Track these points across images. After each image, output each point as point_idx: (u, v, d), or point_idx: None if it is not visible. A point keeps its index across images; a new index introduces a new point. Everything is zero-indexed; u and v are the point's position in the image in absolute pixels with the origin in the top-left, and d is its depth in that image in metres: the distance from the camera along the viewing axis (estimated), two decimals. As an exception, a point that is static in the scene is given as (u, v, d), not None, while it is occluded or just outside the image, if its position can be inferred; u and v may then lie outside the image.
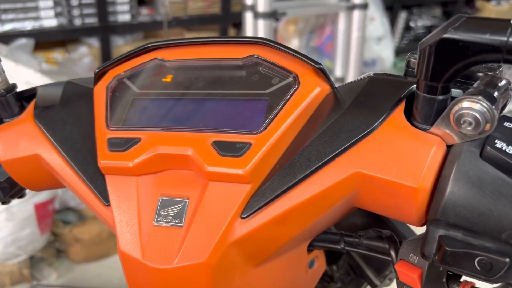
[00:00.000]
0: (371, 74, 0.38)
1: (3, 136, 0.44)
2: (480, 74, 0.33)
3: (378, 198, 0.33)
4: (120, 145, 0.38)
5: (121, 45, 2.17)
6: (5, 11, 1.85)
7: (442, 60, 0.28)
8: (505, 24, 0.26)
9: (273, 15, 1.87)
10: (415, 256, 0.36)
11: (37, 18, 1.92)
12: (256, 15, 1.86)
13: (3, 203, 0.50)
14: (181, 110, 0.39)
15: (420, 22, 3.10)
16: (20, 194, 0.50)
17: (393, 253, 0.39)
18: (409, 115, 0.33)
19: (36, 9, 1.91)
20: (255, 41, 0.39)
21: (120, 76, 0.43)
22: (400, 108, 0.33)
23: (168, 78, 0.42)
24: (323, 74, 0.37)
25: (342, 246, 0.42)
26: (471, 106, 0.28)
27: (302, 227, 0.36)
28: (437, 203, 0.30)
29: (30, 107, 0.45)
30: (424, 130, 0.32)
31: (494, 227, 0.28)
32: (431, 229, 0.31)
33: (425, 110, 0.31)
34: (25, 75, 1.59)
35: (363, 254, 0.42)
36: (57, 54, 2.05)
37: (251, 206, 0.34)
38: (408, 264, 0.35)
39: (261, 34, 1.88)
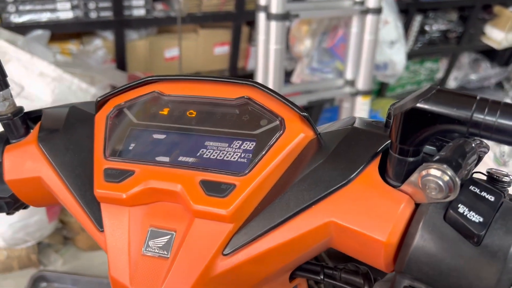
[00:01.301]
0: (354, 123, 0.40)
1: (9, 157, 0.47)
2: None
3: (350, 245, 0.36)
4: (115, 176, 0.41)
5: (135, 39, 2.20)
6: (23, 2, 1.89)
7: (412, 127, 0.30)
8: (471, 100, 0.28)
9: (286, 17, 1.88)
10: (384, 298, 0.38)
11: (53, 10, 1.95)
12: (269, 16, 1.86)
13: (7, 214, 0.53)
14: (174, 145, 0.42)
15: (435, 26, 3.07)
16: (23, 207, 0.53)
17: (366, 290, 0.41)
18: (383, 169, 0.35)
19: (53, 1, 1.94)
20: (248, 84, 0.41)
21: (120, 106, 0.45)
22: (375, 163, 0.35)
23: (165, 111, 0.44)
24: (308, 121, 0.39)
25: (322, 277, 0.44)
26: (436, 174, 0.30)
27: (280, 265, 0.38)
28: (403, 257, 0.32)
29: (35, 129, 0.48)
30: (395, 187, 0.34)
31: (453, 285, 0.30)
32: (397, 278, 0.34)
33: (397, 169, 0.33)
34: (39, 66, 1.63)
35: (340, 286, 0.44)
36: (72, 46, 2.08)
37: (233, 244, 0.37)
38: (378, 303, 0.38)
39: (273, 35, 1.88)
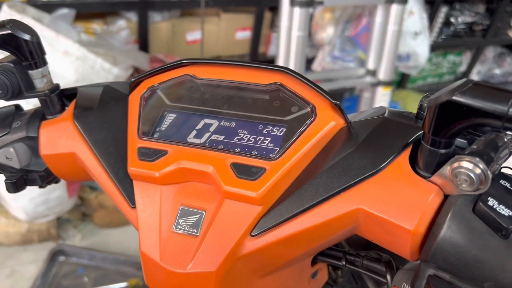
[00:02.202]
0: (385, 113, 0.40)
1: (45, 132, 0.49)
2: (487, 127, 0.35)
3: (376, 233, 0.36)
4: (148, 156, 0.42)
5: (158, 21, 2.21)
6: (50, -20, 1.90)
7: (446, 119, 0.31)
8: (508, 95, 0.28)
9: (310, 4, 1.86)
10: (407, 286, 0.39)
11: (79, -11, 1.97)
12: (293, 3, 1.85)
13: (40, 187, 0.55)
14: (205, 127, 0.43)
15: (461, 18, 3.01)
16: (55, 181, 0.55)
17: (389, 278, 0.42)
18: (413, 159, 0.36)
19: (79, -20, 1.96)
20: (280, 70, 0.42)
21: (154, 87, 0.46)
22: (406, 153, 0.36)
23: (197, 94, 0.45)
24: (339, 109, 0.40)
25: (344, 263, 0.45)
26: (468, 167, 0.30)
27: (305, 249, 0.40)
28: (429, 247, 0.33)
29: (71, 107, 0.50)
30: (425, 177, 0.34)
31: (478, 277, 0.31)
32: (422, 267, 0.34)
33: (428, 160, 0.33)
34: (64, 45, 1.65)
35: (361, 273, 0.45)
36: (96, 26, 2.10)
37: (261, 226, 0.38)
38: (400, 291, 0.39)
39: (296, 21, 1.87)
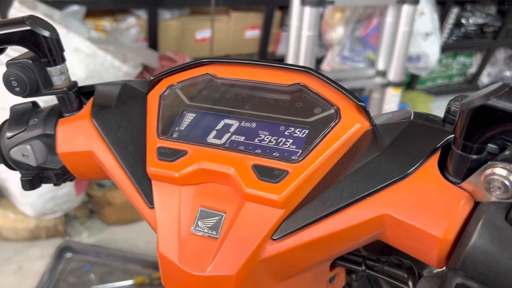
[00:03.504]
0: (411, 116, 0.39)
1: (63, 130, 0.48)
2: None
3: (402, 239, 0.35)
4: (168, 156, 0.41)
5: (168, 19, 2.21)
6: (61, -23, 1.91)
7: (480, 124, 0.30)
8: None
9: (320, 3, 1.85)
10: (431, 293, 0.38)
11: (90, -14, 1.97)
12: (304, 2, 1.84)
13: (55, 185, 0.54)
14: (226, 128, 0.42)
15: (472, 20, 2.98)
16: (70, 178, 0.54)
17: (411, 285, 0.41)
18: (442, 164, 0.35)
19: (90, -23, 1.96)
20: (303, 70, 0.41)
21: (173, 86, 0.46)
22: (435, 158, 0.35)
23: (217, 94, 0.44)
24: (364, 111, 0.39)
25: (363, 268, 0.44)
26: (502, 174, 0.29)
27: (327, 254, 0.39)
28: (458, 255, 0.32)
29: (88, 104, 0.49)
30: (455, 183, 0.33)
31: (509, 286, 0.30)
32: (449, 276, 0.33)
33: (458, 165, 0.33)
34: (74, 42, 1.65)
35: (382, 279, 0.45)
36: (106, 23, 2.10)
37: (282, 230, 0.37)
38: (423, 299, 0.38)
39: (307, 21, 1.86)
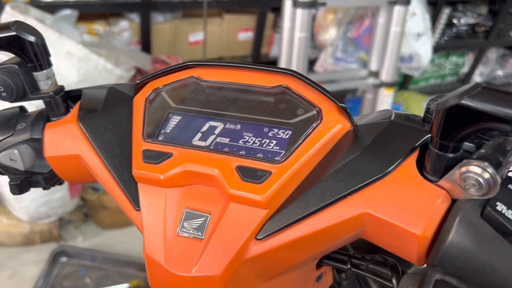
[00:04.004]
0: (392, 116, 0.40)
1: (50, 134, 0.48)
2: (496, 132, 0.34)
3: (383, 237, 0.36)
4: (153, 158, 0.42)
5: (161, 22, 2.21)
6: (53, -19, 1.91)
7: (455, 123, 0.30)
8: None
9: (312, 5, 1.86)
10: (413, 291, 0.38)
11: (82, -10, 1.97)
12: (295, 4, 1.85)
13: (44, 189, 0.55)
14: (211, 130, 0.43)
15: (463, 20, 3.00)
16: (59, 183, 0.55)
17: (394, 282, 0.42)
18: (421, 163, 0.35)
19: (82, -19, 1.96)
20: (286, 72, 0.42)
21: (159, 89, 0.46)
22: (413, 157, 0.36)
23: (202, 97, 0.45)
24: (345, 112, 0.39)
25: (349, 266, 0.45)
26: (477, 171, 0.30)
27: (311, 253, 0.39)
28: (436, 251, 0.33)
29: (75, 108, 0.49)
30: (433, 181, 0.34)
31: (486, 282, 0.31)
32: (429, 272, 0.34)
33: (436, 164, 0.33)
34: (67, 45, 1.65)
35: (367, 277, 0.45)
36: (99, 26, 2.10)
37: (266, 230, 0.38)
38: (406, 296, 0.38)
39: (299, 23, 1.87)
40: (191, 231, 0.39)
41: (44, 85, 0.47)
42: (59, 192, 1.81)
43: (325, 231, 0.36)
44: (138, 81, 0.47)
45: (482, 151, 0.31)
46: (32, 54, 0.44)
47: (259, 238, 0.38)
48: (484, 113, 0.29)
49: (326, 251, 0.42)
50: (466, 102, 0.29)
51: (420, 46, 2.41)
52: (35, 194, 1.75)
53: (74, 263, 1.85)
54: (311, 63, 2.52)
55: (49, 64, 0.46)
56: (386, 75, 2.18)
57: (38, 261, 1.85)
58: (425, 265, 0.36)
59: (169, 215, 0.41)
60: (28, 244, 1.93)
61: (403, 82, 3.19)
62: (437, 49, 3.00)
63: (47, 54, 0.45)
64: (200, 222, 0.40)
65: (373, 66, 2.22)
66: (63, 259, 1.86)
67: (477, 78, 3.48)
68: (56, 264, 1.83)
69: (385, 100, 2.25)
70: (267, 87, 0.42)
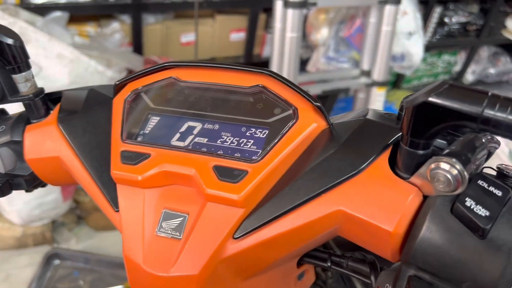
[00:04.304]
0: (367, 114, 0.40)
1: (30, 137, 0.48)
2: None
3: (357, 234, 0.36)
4: (131, 159, 0.42)
5: (152, 23, 2.21)
6: (43, -17, 1.90)
7: (423, 121, 0.31)
8: (483, 96, 0.29)
9: (303, 5, 1.87)
10: (390, 287, 0.39)
11: (72, -8, 1.97)
12: (286, 4, 1.85)
13: (26, 191, 0.55)
14: (189, 130, 0.43)
15: (455, 18, 3.02)
16: (41, 185, 0.55)
17: (373, 279, 0.42)
18: (393, 161, 0.36)
19: (72, -18, 1.95)
20: (263, 72, 0.42)
21: (138, 90, 0.46)
22: (386, 154, 0.36)
23: (181, 97, 0.45)
24: (321, 111, 0.40)
25: (329, 264, 0.45)
26: (445, 168, 0.30)
27: (288, 251, 0.40)
28: (409, 247, 0.33)
29: (55, 111, 0.49)
30: (405, 178, 0.34)
31: (456, 277, 0.31)
32: (403, 268, 0.34)
33: (407, 161, 0.34)
34: (58, 48, 1.65)
35: (346, 274, 0.45)
36: (90, 28, 2.10)
37: (243, 229, 0.38)
38: (383, 292, 0.39)
39: (290, 23, 1.87)
40: (169, 231, 0.39)
41: (24, 88, 0.47)
42: (52, 195, 1.81)
43: (301, 229, 0.37)
44: (117, 82, 0.47)
45: (452, 147, 0.32)
46: (10, 56, 0.44)
47: (236, 237, 0.38)
48: (450, 110, 0.29)
49: (304, 249, 0.43)
50: (433, 99, 0.30)
51: (412, 45, 2.42)
52: (27, 197, 1.74)
53: (67, 266, 1.84)
54: (304, 63, 2.52)
55: (28, 67, 0.46)
56: (378, 74, 2.19)
57: (31, 264, 1.84)
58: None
59: (148, 215, 0.41)
60: (21, 247, 1.92)
61: (396, 81, 3.21)
62: (429, 48, 3.01)
63: (25, 56, 0.45)
64: (178, 222, 0.40)
65: (365, 66, 2.22)
66: (56, 261, 1.85)
67: (469, 76, 3.50)
68: (49, 267, 1.82)
69: (378, 99, 2.25)
70: (245, 87, 0.43)
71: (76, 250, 1.90)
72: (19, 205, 1.75)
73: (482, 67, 3.47)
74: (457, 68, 3.46)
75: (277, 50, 1.98)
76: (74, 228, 2.07)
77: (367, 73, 2.22)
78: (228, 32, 2.46)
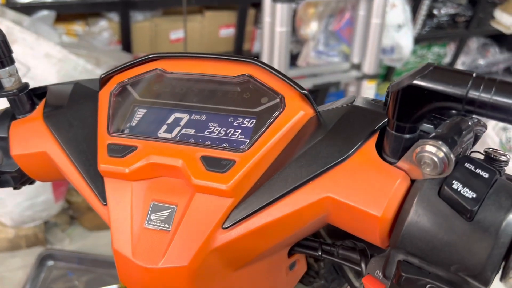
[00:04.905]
0: (354, 101, 0.40)
1: (15, 132, 0.48)
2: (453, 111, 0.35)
3: (346, 221, 0.36)
4: (118, 152, 0.41)
5: (141, 20, 2.19)
6: (28, -18, 1.88)
7: (409, 104, 0.31)
8: (467, 77, 0.29)
9: (292, -1, 1.86)
10: (380, 273, 0.39)
11: (59, -10, 1.94)
12: (275, -2, 1.85)
13: (14, 188, 0.54)
14: (176, 122, 0.42)
15: (443, 10, 3.03)
16: (29, 181, 0.54)
17: (363, 266, 0.42)
18: (380, 146, 0.36)
19: (59, -19, 1.93)
20: (249, 61, 0.42)
21: (124, 83, 0.46)
22: (373, 140, 0.36)
23: (167, 89, 0.45)
24: (308, 98, 0.40)
25: (320, 253, 0.45)
26: (431, 150, 0.30)
27: (278, 240, 0.39)
28: (398, 232, 0.33)
29: (41, 106, 0.49)
30: (392, 163, 0.34)
31: (445, 260, 0.31)
32: (392, 253, 0.34)
33: (393, 146, 0.34)
34: (45, 47, 1.63)
35: (338, 262, 0.45)
36: (78, 27, 2.08)
37: (232, 218, 0.38)
38: (374, 279, 0.39)
39: (279, 17, 1.87)
40: (158, 223, 0.39)
41: (7, 83, 0.46)
42: (44, 195, 1.79)
43: (290, 217, 0.37)
44: (102, 75, 0.47)
45: (438, 131, 0.32)
46: None
47: (225, 227, 0.38)
48: (435, 92, 0.29)
49: (295, 238, 0.43)
50: (418, 82, 0.30)
51: (401, 37, 2.42)
52: (19, 198, 1.73)
53: (61, 267, 1.83)
54: (294, 57, 2.52)
55: (12, 61, 0.46)
56: (368, 67, 2.19)
57: (25, 266, 1.82)
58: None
59: (136, 208, 0.41)
60: (14, 249, 1.90)
61: (386, 74, 3.21)
62: (419, 40, 3.01)
63: (8, 51, 0.45)
64: (167, 214, 0.39)
65: (355, 59, 2.23)
66: (50, 262, 1.84)
67: (459, 67, 3.51)
68: (43, 268, 1.81)
69: (368, 92, 2.26)
70: (232, 77, 0.42)
71: (70, 251, 1.89)
72: (11, 206, 1.74)
73: (472, 58, 3.48)
74: (447, 59, 3.47)
75: (266, 45, 1.97)
76: (67, 229, 2.05)
77: (357, 67, 2.23)
78: (217, 28, 2.45)
